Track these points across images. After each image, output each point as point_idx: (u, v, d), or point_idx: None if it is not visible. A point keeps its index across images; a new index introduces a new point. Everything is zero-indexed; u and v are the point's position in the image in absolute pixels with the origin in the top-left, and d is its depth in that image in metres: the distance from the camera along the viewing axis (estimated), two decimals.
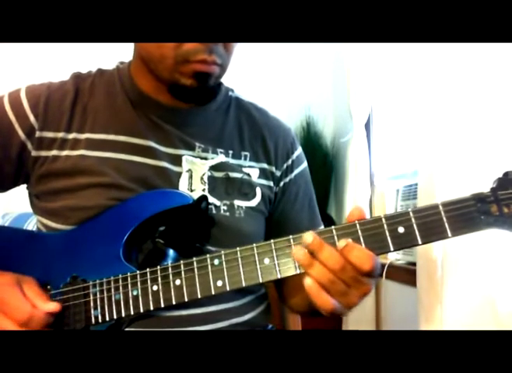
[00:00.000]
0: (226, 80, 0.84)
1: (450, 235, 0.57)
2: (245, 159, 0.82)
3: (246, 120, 0.85)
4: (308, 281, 0.58)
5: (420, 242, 0.58)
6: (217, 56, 0.70)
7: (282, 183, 0.85)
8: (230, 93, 0.87)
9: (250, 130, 0.84)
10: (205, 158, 0.79)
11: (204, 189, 0.77)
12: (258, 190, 0.81)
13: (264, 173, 0.82)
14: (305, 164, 0.90)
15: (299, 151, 0.89)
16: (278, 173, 0.84)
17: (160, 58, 0.71)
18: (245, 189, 0.80)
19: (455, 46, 1.02)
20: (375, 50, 1.87)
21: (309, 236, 0.58)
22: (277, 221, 0.85)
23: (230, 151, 0.81)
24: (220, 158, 0.79)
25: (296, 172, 0.86)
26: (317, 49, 2.37)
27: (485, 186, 0.58)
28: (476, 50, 0.98)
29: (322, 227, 0.90)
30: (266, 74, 2.29)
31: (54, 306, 0.66)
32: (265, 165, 0.83)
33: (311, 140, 2.23)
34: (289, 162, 0.86)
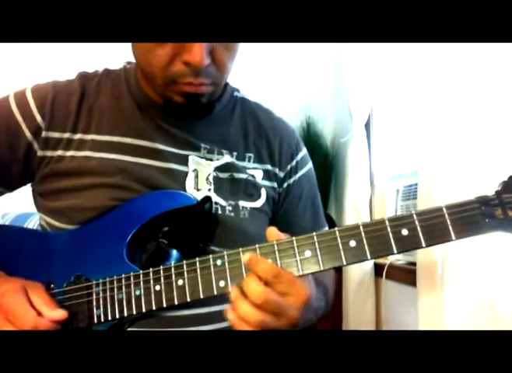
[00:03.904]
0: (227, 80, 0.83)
1: (454, 237, 0.57)
2: (249, 161, 0.82)
3: (251, 121, 0.85)
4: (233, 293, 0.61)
5: (424, 245, 0.58)
6: (205, 77, 0.69)
7: (285, 185, 0.84)
8: (236, 94, 0.87)
9: (255, 131, 0.84)
10: (211, 159, 0.79)
11: (210, 189, 0.77)
12: (263, 191, 0.81)
13: (267, 175, 0.82)
14: (309, 165, 0.90)
15: (303, 152, 0.89)
16: (281, 175, 0.84)
17: (152, 76, 0.71)
18: (250, 189, 0.80)
19: (455, 46, 1.02)
20: (375, 50, 1.87)
21: (246, 256, 0.60)
22: (280, 222, 0.85)
23: (235, 153, 0.81)
24: (225, 158, 0.79)
25: (300, 173, 0.86)
26: (317, 49, 2.37)
27: (485, 186, 0.58)
28: (476, 50, 0.98)
29: (326, 228, 0.90)
30: (266, 75, 2.29)
31: (60, 314, 0.65)
32: (269, 167, 0.83)
33: (311, 140, 2.23)
34: (293, 163, 0.86)
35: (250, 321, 0.59)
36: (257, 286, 0.59)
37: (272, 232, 0.63)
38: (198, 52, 0.65)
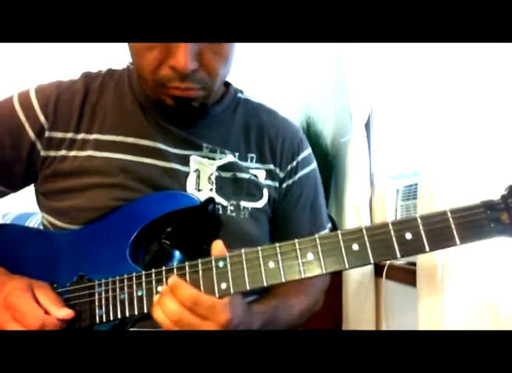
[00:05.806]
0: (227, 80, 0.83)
1: (458, 242, 0.56)
2: (251, 161, 0.82)
3: (253, 122, 0.85)
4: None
5: (428, 250, 0.57)
6: (193, 82, 0.69)
7: (285, 185, 0.84)
8: (239, 95, 0.87)
9: (258, 131, 0.84)
10: (213, 159, 0.79)
11: (211, 189, 0.77)
12: (265, 192, 0.81)
13: (270, 174, 0.83)
14: (312, 166, 0.89)
15: (306, 152, 0.88)
16: (281, 175, 0.84)
17: (144, 79, 0.72)
18: (252, 189, 0.80)
19: (455, 46, 1.02)
20: (375, 50, 1.87)
21: (170, 279, 0.62)
22: (278, 222, 0.85)
23: (236, 153, 0.81)
24: (228, 158, 0.80)
25: (300, 174, 0.86)
26: (317, 49, 2.37)
27: (485, 187, 0.58)
28: (476, 50, 0.98)
29: (327, 230, 0.90)
30: (266, 75, 2.29)
31: (67, 313, 0.65)
32: (271, 167, 0.83)
33: (311, 140, 2.23)
34: (294, 163, 0.85)
35: (173, 316, 0.61)
36: (173, 305, 0.60)
37: (218, 246, 0.64)
38: (183, 57, 0.65)
